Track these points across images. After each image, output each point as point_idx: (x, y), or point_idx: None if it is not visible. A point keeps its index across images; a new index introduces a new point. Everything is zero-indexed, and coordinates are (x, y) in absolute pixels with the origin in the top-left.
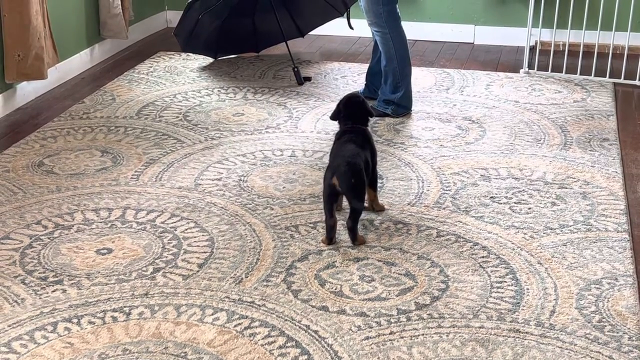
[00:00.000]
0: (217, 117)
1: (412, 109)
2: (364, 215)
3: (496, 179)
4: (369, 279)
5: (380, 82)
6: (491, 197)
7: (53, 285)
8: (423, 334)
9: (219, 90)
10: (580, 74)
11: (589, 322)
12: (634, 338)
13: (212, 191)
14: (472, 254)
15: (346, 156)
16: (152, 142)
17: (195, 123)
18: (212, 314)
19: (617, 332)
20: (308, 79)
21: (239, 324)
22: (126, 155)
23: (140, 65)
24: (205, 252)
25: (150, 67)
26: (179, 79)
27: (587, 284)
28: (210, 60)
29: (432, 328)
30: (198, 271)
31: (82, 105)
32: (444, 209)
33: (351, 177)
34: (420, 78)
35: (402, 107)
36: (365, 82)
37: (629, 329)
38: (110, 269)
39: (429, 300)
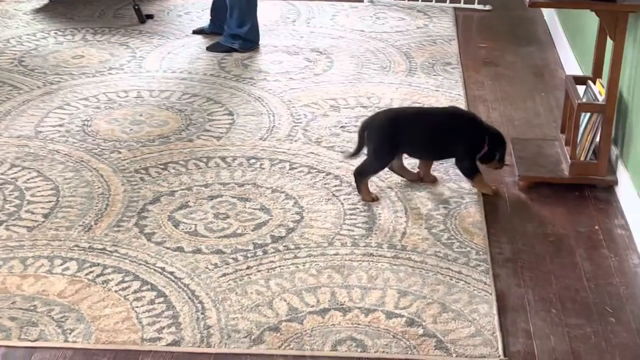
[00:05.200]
0: (55, 61)
1: (260, 42)
2: (203, 154)
3: (345, 108)
4: (224, 216)
5: (225, 16)
6: (341, 127)
7: None
8: (280, 266)
9: (55, 33)
10: (422, 1)
11: (438, 241)
12: (480, 252)
13: (55, 138)
14: (325, 184)
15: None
16: None
17: (32, 68)
18: (61, 264)
19: (465, 248)
20: (150, 16)
21: (91, 272)
22: None
23: None
24: (50, 202)
25: None
26: (11, 22)
27: (435, 204)
28: (44, 1)
29: (288, 259)
30: (44, 221)
31: None
32: (295, 141)
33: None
34: (266, 11)
35: (249, 41)
36: (210, 18)
37: (476, 244)
38: None
39: (285, 232)
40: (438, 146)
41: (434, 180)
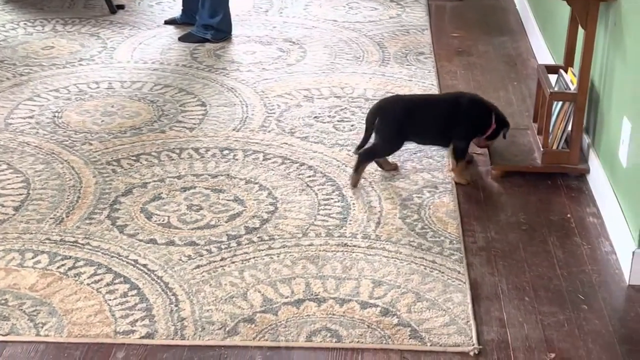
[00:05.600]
0: (24, 52)
1: (232, 33)
2: (176, 145)
3: (319, 98)
4: (197, 207)
5: (197, 6)
6: (315, 117)
7: None
8: (254, 257)
9: (25, 24)
10: None
11: (412, 230)
12: (454, 242)
13: (25, 130)
14: (299, 175)
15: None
16: None
17: (1, 59)
18: (33, 258)
19: (439, 237)
20: (121, 7)
21: (63, 265)
22: None
23: None
24: (20, 194)
25: None
26: None
27: (409, 194)
28: None
29: (262, 250)
30: (14, 214)
31: None
32: (269, 132)
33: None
34: (238, 1)
35: (221, 32)
36: (182, 8)
37: (449, 233)
38: None
39: (259, 223)
40: (448, 131)
41: (395, 168)
